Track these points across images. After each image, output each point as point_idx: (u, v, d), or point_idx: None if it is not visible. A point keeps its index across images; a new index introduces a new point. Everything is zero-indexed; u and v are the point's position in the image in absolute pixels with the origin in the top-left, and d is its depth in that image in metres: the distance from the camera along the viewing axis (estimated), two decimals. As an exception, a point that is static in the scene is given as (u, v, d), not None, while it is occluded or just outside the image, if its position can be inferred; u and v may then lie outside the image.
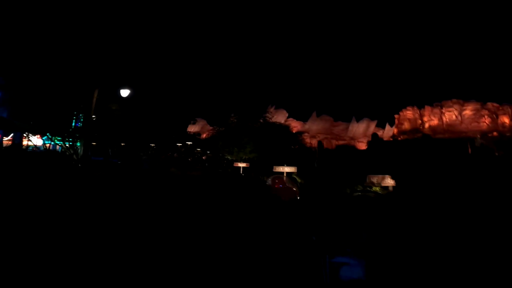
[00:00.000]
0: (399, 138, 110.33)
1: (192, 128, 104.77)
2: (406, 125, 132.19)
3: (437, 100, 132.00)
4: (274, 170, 18.98)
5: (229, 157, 33.21)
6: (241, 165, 28.16)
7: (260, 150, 27.34)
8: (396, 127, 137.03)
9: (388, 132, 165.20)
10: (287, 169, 19.21)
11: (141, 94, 29.45)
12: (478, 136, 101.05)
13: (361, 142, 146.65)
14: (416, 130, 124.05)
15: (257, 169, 26.95)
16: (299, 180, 18.40)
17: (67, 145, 24.43)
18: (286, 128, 30.17)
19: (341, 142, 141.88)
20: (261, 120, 32.32)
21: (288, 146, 27.30)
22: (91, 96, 20.34)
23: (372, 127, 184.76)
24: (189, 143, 44.97)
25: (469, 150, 44.22)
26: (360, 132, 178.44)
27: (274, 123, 31.45)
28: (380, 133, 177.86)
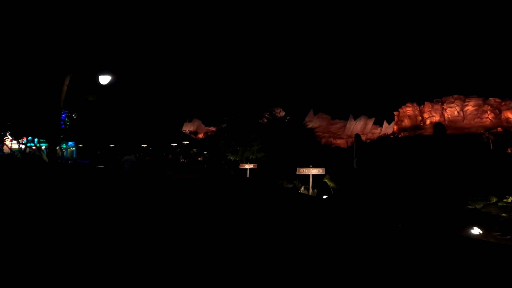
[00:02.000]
0: (400, 135, 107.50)
1: (187, 127, 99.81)
2: (406, 122, 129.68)
3: (434, 96, 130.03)
4: (298, 173, 14.86)
5: (231, 158, 29.01)
6: (248, 166, 24.01)
7: (270, 148, 23.17)
8: (396, 124, 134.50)
9: (386, 129, 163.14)
10: (313, 171, 15.16)
11: (127, 84, 25.02)
12: (482, 131, 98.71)
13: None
14: (417, 126, 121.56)
15: (267, 170, 22.82)
16: (331, 185, 14.37)
17: (33, 146, 20.07)
18: (299, 123, 25.98)
19: (339, 141, 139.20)
20: (267, 115, 28.11)
21: (305, 143, 23.22)
22: (61, 84, 15.90)
23: (370, 124, 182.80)
24: (185, 142, 40.46)
25: (491, 146, 40.77)
26: (358, 130, 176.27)
27: (285, 118, 27.21)
28: (377, 130, 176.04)
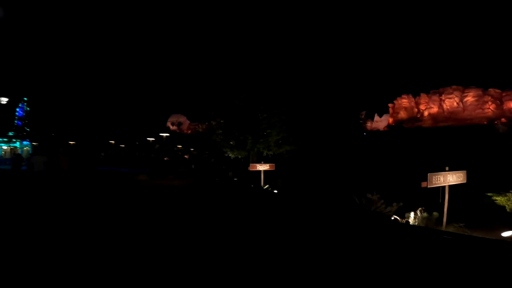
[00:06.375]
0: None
1: (173, 119, 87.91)
2: (403, 114, 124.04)
3: (417, 89, 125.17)
4: (428, 186, 6.34)
5: (231, 155, 20.16)
6: (263, 167, 15.47)
7: (303, 138, 14.36)
8: (391, 116, 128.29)
9: (377, 123, 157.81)
10: (451, 178, 6.77)
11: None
12: (485, 122, 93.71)
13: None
14: (414, 118, 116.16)
15: (295, 174, 14.16)
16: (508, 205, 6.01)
17: None
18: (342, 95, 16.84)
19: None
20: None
21: (359, 132, 14.58)
22: None
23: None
24: (164, 135, 30.85)
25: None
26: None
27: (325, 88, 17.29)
28: (369, 124, 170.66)
